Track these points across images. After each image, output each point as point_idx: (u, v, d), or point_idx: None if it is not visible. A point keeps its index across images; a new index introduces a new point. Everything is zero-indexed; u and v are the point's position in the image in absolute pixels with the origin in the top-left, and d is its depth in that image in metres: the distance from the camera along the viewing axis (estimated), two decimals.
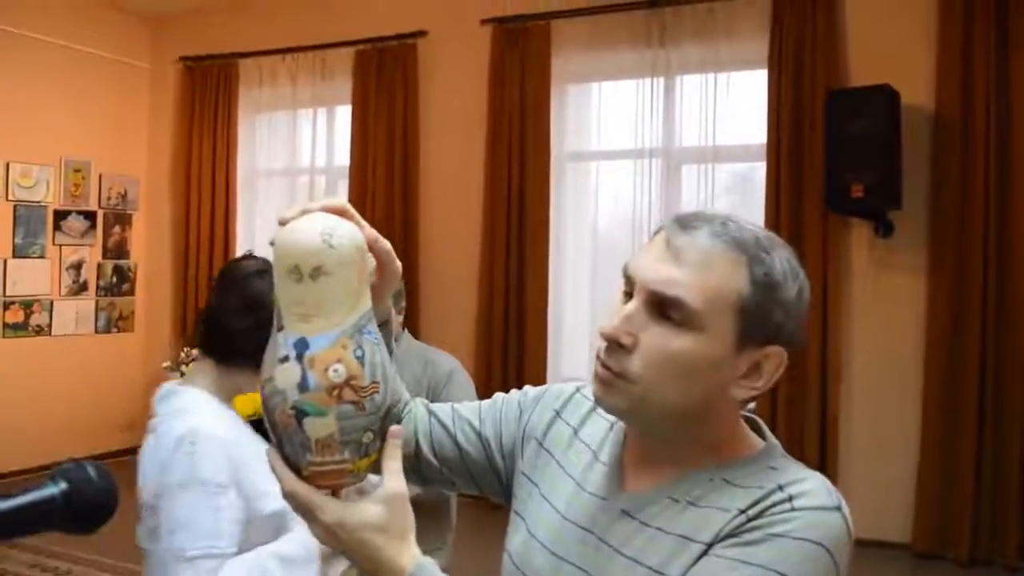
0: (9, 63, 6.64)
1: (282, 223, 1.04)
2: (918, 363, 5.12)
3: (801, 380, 5.22)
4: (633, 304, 1.04)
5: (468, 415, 1.32)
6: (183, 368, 3.44)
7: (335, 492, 1.05)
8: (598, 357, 1.07)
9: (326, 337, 0.99)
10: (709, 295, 1.02)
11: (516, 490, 1.27)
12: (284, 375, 1.00)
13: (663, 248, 1.05)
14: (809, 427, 5.24)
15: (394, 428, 1.07)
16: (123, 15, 7.54)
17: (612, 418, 1.23)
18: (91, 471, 0.79)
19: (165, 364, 3.58)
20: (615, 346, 1.05)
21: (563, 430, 1.26)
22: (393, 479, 1.06)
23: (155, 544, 1.80)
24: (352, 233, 1.02)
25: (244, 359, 1.89)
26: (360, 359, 1.00)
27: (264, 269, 1.91)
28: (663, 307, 1.03)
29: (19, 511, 0.75)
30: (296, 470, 1.03)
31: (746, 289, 1.03)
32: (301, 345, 0.99)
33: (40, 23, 6.83)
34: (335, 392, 0.98)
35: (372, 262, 1.07)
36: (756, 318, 1.04)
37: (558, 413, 1.29)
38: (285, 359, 1.00)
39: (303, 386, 0.99)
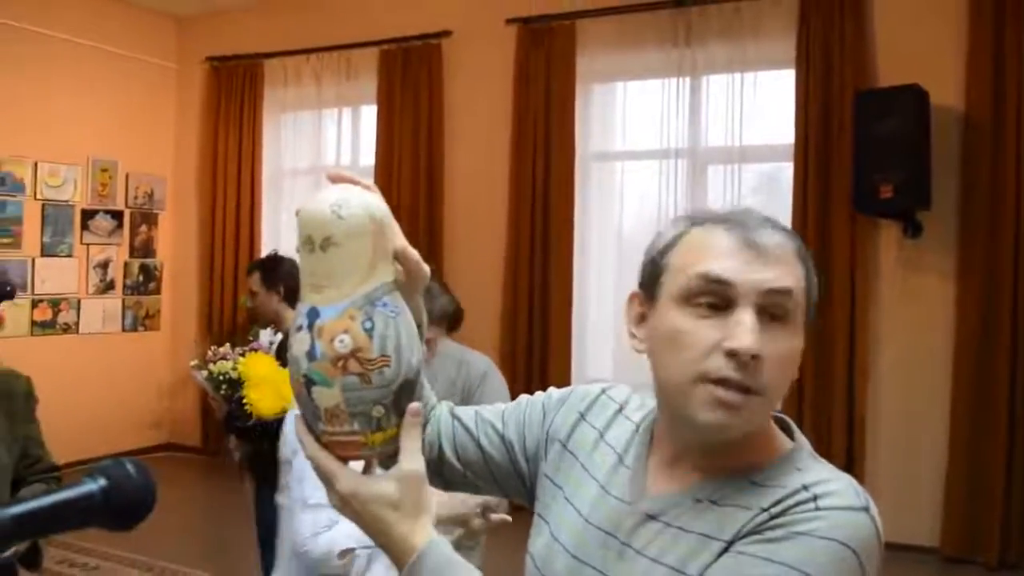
0: (37, 63, 6.71)
1: (332, 179, 1.06)
2: (947, 365, 5.07)
3: (828, 381, 5.18)
4: (750, 314, 1.01)
5: (491, 418, 1.31)
6: (210, 367, 3.44)
7: (367, 467, 1.06)
8: (720, 381, 1.01)
9: (335, 307, 0.99)
10: (799, 287, 1.04)
11: (539, 493, 1.26)
12: (298, 344, 1.01)
13: (745, 250, 1.03)
14: (836, 428, 5.20)
15: (413, 406, 1.06)
16: (150, 16, 7.59)
17: (637, 420, 1.22)
18: (130, 468, 0.79)
19: (193, 362, 3.59)
20: (749, 362, 1.00)
21: (588, 432, 1.25)
22: (409, 457, 1.05)
23: (288, 498, 1.90)
24: (366, 204, 1.01)
25: None
26: (369, 331, 0.99)
27: None
28: (773, 309, 1.02)
29: (59, 507, 0.75)
30: (316, 437, 1.05)
31: (802, 271, 1.06)
32: (312, 314, 1.00)
33: (67, 24, 6.89)
34: (340, 363, 0.99)
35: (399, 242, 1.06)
36: (809, 302, 1.06)
37: (583, 415, 1.27)
38: (299, 328, 1.02)
39: (311, 355, 0.99)
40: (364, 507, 1.03)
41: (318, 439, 1.05)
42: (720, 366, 1.00)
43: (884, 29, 5.26)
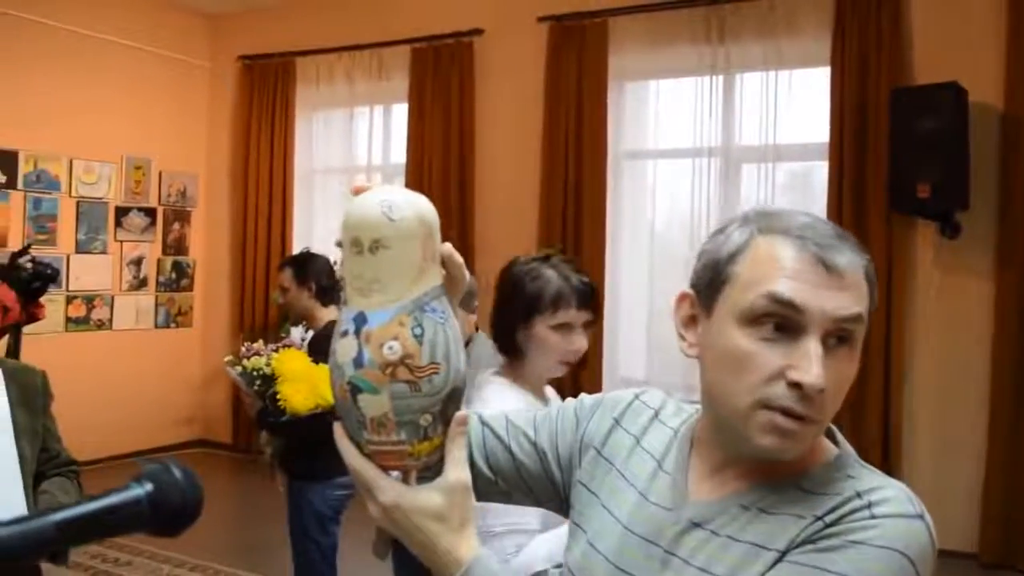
0: (72, 63, 6.77)
1: (356, 193, 1.02)
2: (985, 367, 5.00)
3: (863, 384, 5.12)
4: (817, 345, 0.97)
5: (523, 425, 1.29)
6: (244, 362, 3.45)
7: (405, 477, 1.03)
8: (781, 411, 0.98)
9: (384, 312, 0.97)
10: (866, 307, 1.01)
11: (574, 501, 1.24)
12: (343, 350, 0.98)
13: (818, 271, 0.99)
14: (871, 432, 5.13)
15: (459, 414, 1.03)
16: (183, 14, 7.64)
17: (675, 426, 1.20)
18: (177, 473, 0.78)
19: (227, 358, 3.60)
20: (814, 395, 0.97)
21: (624, 439, 1.23)
22: (455, 468, 1.03)
23: None
24: (416, 206, 0.99)
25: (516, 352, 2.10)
26: (419, 337, 0.97)
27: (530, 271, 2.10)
28: (840, 334, 0.99)
29: (105, 513, 0.74)
30: (358, 446, 1.02)
31: (868, 293, 1.02)
32: (360, 320, 0.98)
33: (101, 23, 6.95)
34: (389, 370, 0.96)
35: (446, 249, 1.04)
36: (869, 314, 1.03)
37: (617, 421, 1.25)
38: (345, 333, 0.99)
39: (358, 361, 0.97)
40: (408, 519, 1.01)
41: (360, 448, 1.02)
42: (782, 395, 0.98)
43: (921, 26, 5.19)
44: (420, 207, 0.99)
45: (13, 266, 4.56)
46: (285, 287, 3.98)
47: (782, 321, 0.99)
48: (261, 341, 3.51)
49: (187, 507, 0.78)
